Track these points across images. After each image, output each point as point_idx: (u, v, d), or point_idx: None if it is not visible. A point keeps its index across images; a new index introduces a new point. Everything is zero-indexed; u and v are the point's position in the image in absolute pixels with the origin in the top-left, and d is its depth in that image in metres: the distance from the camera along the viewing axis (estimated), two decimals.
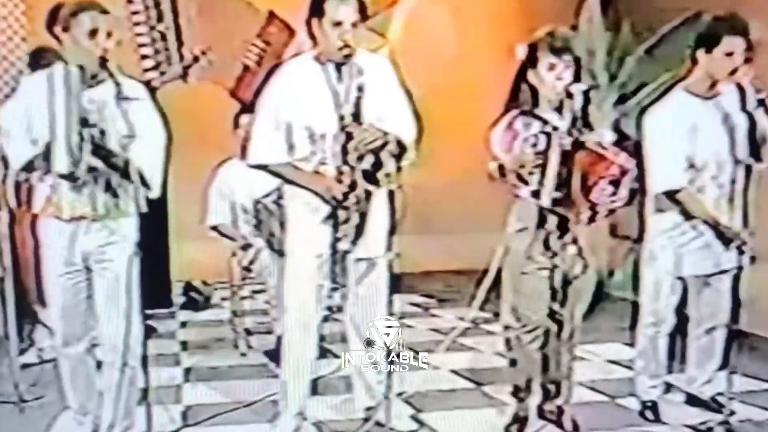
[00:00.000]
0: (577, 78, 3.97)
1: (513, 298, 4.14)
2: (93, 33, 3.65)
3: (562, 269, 4.06)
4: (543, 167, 3.91)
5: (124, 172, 3.70)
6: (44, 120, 3.68)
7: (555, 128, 3.93)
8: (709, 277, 4.35)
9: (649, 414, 4.45)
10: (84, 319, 3.91)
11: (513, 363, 4.24)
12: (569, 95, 3.92)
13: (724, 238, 4.21)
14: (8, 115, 3.84)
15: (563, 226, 4.00)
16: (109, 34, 3.67)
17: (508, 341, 4.22)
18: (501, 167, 4.00)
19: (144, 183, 3.76)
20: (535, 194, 3.94)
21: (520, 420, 4.22)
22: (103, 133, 3.66)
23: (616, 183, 3.91)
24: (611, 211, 4.01)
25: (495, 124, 4.05)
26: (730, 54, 4.09)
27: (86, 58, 3.68)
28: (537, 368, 4.21)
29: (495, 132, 4.04)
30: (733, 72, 4.06)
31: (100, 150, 3.66)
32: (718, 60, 4.13)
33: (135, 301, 3.81)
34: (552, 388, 4.27)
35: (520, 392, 4.22)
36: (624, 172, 3.90)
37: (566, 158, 3.89)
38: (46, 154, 3.69)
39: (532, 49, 4.00)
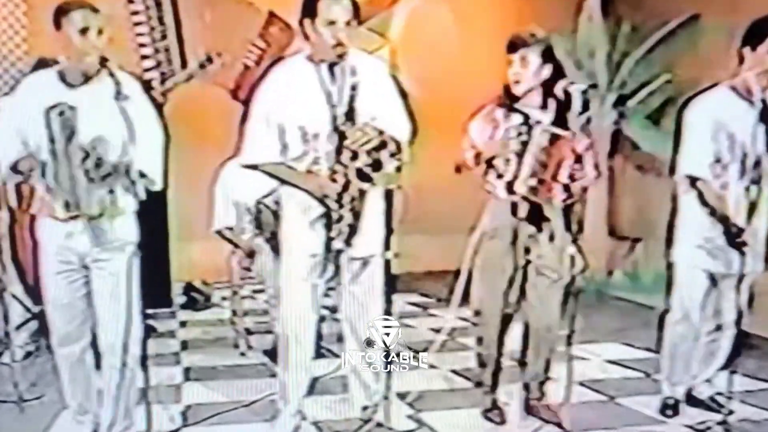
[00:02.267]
0: (559, 74, 4.09)
1: (481, 296, 4.25)
2: (84, 31, 3.67)
3: (537, 265, 4.14)
4: (519, 158, 4.02)
5: (125, 169, 3.72)
6: (39, 122, 3.68)
7: (537, 122, 4.04)
8: (732, 276, 4.36)
9: (668, 412, 4.47)
10: (81, 318, 3.91)
11: (481, 362, 4.38)
12: (551, 93, 4.03)
13: (730, 236, 4.21)
14: (3, 112, 3.85)
15: (536, 219, 4.06)
16: (100, 32, 3.70)
17: (480, 338, 4.34)
18: (477, 156, 4.12)
19: (145, 177, 3.78)
20: (509, 186, 4.01)
21: (496, 408, 4.37)
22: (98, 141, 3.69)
23: (579, 160, 4.07)
24: (584, 189, 4.17)
25: (472, 117, 4.19)
26: None
27: (80, 55, 3.70)
28: (498, 362, 4.35)
29: (473, 123, 4.17)
30: None
31: (98, 148, 3.68)
32: (760, 56, 4.15)
33: (135, 301, 3.81)
34: (534, 385, 4.36)
35: (484, 385, 4.38)
36: (586, 149, 4.08)
37: (543, 150, 4.02)
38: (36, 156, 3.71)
39: None
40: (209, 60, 6.53)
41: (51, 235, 3.81)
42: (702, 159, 4.22)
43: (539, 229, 4.11)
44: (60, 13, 3.71)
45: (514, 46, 4.08)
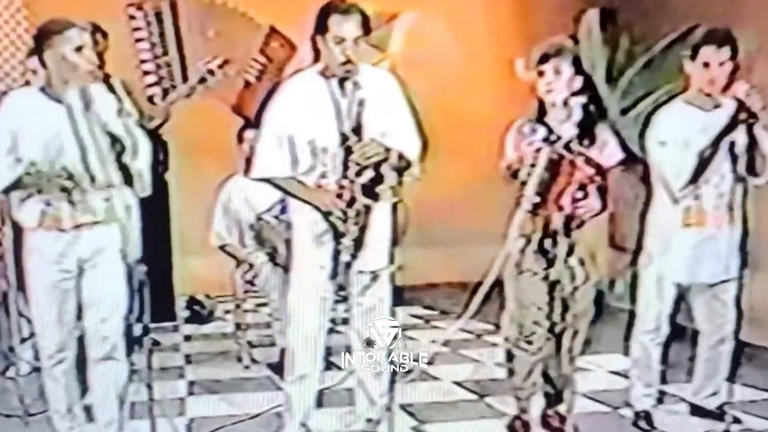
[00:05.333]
0: (585, 86, 4.07)
1: (513, 307, 4.20)
2: (79, 49, 3.72)
3: (559, 278, 4.12)
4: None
5: (126, 179, 3.83)
6: (36, 138, 3.74)
7: (558, 137, 4.02)
8: (712, 287, 4.37)
9: (642, 423, 4.46)
10: (71, 327, 3.95)
11: (511, 373, 4.31)
12: (567, 105, 4.02)
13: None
14: None
15: (551, 233, 4.07)
16: (93, 49, 3.77)
17: (509, 351, 4.28)
18: (509, 169, 4.12)
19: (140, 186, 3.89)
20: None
21: (519, 419, 4.33)
22: (116, 141, 3.76)
23: (584, 189, 4.02)
24: (582, 222, 4.08)
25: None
26: (706, 64, 4.14)
27: (73, 73, 3.75)
28: (537, 378, 4.28)
29: (507, 136, 4.16)
30: (726, 84, 4.12)
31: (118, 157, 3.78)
32: (698, 70, 4.18)
33: (123, 289, 3.92)
34: (552, 394, 4.34)
35: (521, 401, 4.31)
36: (591, 179, 4.00)
37: (553, 166, 3.99)
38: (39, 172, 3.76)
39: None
40: (210, 73, 6.54)
41: (50, 245, 3.85)
42: (674, 175, 4.21)
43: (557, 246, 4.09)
44: (49, 35, 3.76)
45: (546, 56, 4.06)
